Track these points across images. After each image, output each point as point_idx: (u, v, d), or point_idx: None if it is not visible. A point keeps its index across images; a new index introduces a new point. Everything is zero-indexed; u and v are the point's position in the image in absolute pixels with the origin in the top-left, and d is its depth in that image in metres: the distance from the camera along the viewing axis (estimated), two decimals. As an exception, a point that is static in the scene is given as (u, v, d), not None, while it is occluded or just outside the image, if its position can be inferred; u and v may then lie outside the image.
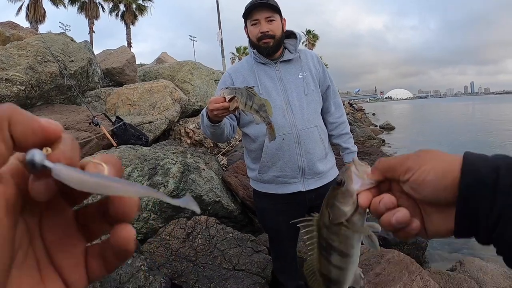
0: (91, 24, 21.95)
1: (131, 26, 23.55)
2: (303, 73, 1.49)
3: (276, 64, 1.49)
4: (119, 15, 23.48)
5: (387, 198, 0.37)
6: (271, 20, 1.44)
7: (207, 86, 6.20)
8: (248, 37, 1.52)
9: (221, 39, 17.58)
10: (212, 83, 6.44)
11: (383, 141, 12.30)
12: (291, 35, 1.55)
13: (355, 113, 20.89)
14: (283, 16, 1.49)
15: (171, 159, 2.60)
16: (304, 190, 1.43)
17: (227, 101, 1.09)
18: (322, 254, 0.46)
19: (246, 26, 1.52)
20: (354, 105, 32.86)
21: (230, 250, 1.84)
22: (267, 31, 1.43)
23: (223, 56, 17.72)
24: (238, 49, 37.64)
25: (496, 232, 0.32)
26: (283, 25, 1.49)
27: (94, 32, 22.19)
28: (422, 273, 2.12)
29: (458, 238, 0.36)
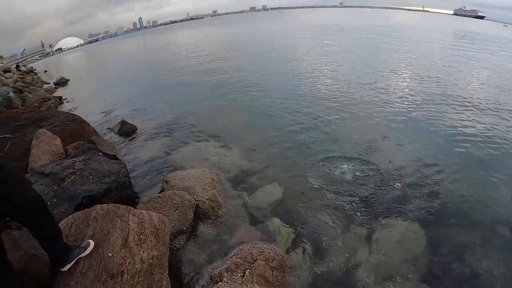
0: None
1: None
2: None
3: None
4: None
5: None
6: None
7: None
8: None
9: None
10: None
11: (61, 98, 11.86)
12: None
13: (25, 77, 18.56)
14: None
15: None
16: None
17: None
18: None
19: None
20: (23, 67, 28.47)
21: None
22: None
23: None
24: None
25: None
26: None
27: None
28: (132, 210, 2.48)
29: None
